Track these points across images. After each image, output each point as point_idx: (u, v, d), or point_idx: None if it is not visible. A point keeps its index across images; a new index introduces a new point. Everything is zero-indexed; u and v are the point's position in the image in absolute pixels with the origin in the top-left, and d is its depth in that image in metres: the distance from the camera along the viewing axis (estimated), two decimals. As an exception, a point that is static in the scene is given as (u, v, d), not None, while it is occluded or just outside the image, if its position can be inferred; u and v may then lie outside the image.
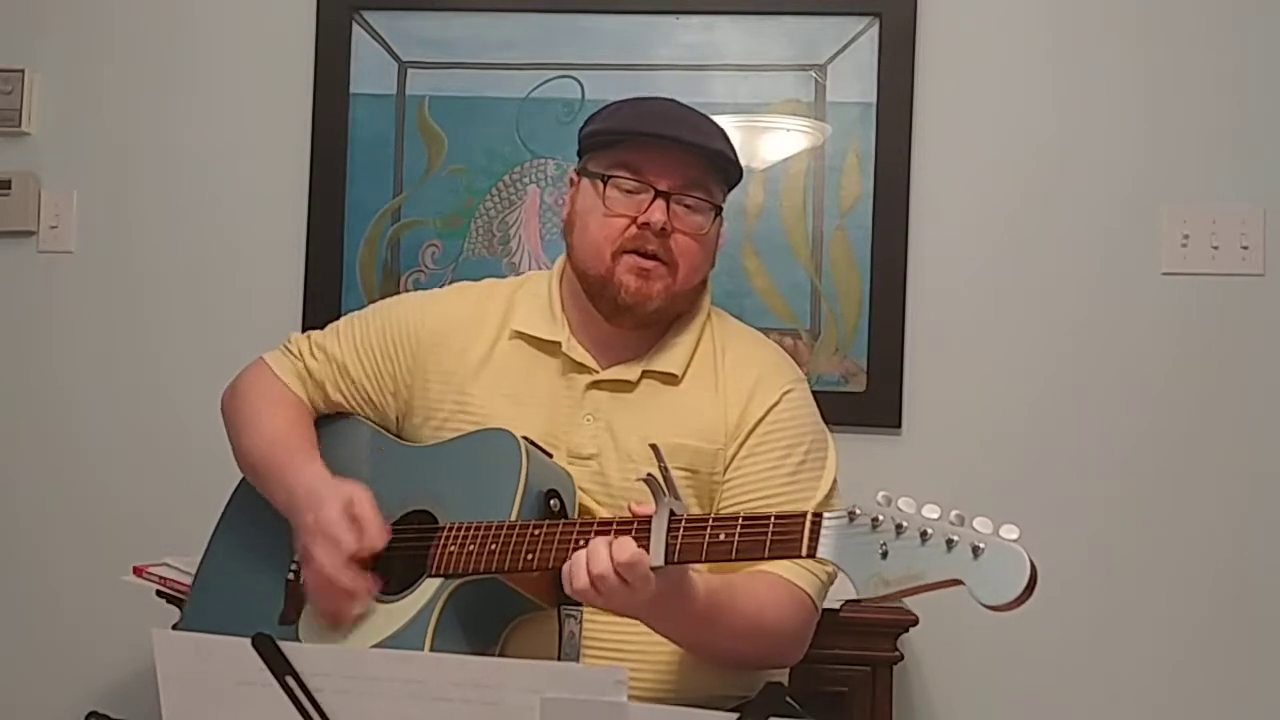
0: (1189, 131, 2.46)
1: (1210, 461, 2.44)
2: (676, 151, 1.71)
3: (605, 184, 1.72)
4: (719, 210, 1.76)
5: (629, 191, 1.71)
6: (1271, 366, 2.44)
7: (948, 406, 2.49)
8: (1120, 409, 2.46)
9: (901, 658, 2.16)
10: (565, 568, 1.47)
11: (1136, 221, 2.47)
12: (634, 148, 1.72)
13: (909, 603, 2.19)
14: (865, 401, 2.48)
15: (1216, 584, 2.43)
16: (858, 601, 2.08)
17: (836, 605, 2.05)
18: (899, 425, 2.48)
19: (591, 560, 1.44)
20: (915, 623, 2.14)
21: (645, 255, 1.70)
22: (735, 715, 1.23)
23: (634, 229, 1.70)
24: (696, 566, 1.52)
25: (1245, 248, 2.44)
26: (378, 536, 1.60)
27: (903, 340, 2.49)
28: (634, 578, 1.43)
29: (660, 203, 1.69)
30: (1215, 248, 2.44)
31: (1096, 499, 2.45)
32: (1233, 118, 2.45)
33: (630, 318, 1.73)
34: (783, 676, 1.79)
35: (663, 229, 1.69)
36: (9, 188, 2.66)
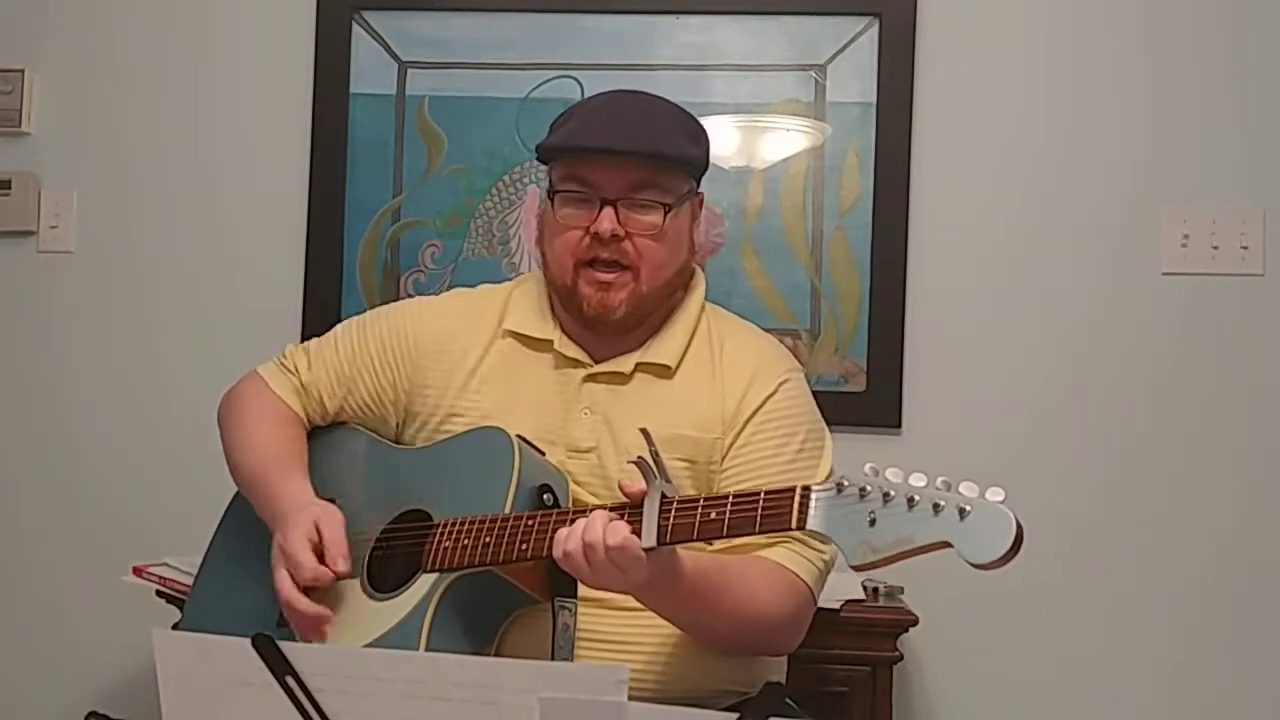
0: (1189, 131, 2.46)
1: (1210, 461, 2.44)
2: (618, 158, 1.71)
3: (555, 199, 1.75)
4: (670, 206, 1.73)
5: (579, 203, 1.73)
6: (1271, 366, 2.44)
7: (948, 406, 2.49)
8: (1120, 409, 2.46)
9: (901, 658, 2.16)
10: (560, 532, 1.48)
11: (1136, 221, 2.47)
12: (579, 159, 1.73)
13: (909, 602, 2.19)
14: (865, 401, 2.48)
15: (1217, 583, 2.43)
16: (858, 601, 2.10)
17: (836, 605, 2.05)
18: (899, 425, 2.48)
19: (588, 528, 1.46)
20: (915, 623, 2.14)
21: (603, 264, 1.71)
22: (735, 715, 1.24)
23: (588, 239, 1.72)
24: (692, 546, 1.53)
25: (1245, 248, 2.44)
26: (335, 563, 1.60)
27: (903, 340, 2.49)
28: (624, 560, 1.44)
29: (609, 210, 1.70)
30: (1215, 248, 2.44)
31: (1097, 499, 2.45)
32: (1233, 118, 2.45)
33: (602, 326, 1.74)
34: (781, 675, 1.79)
35: (614, 235, 1.70)
36: (9, 188, 2.66)
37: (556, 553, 1.48)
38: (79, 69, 2.69)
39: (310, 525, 1.62)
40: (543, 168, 2.51)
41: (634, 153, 1.71)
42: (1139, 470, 2.45)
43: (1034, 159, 2.49)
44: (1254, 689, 2.42)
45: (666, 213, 1.73)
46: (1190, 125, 2.46)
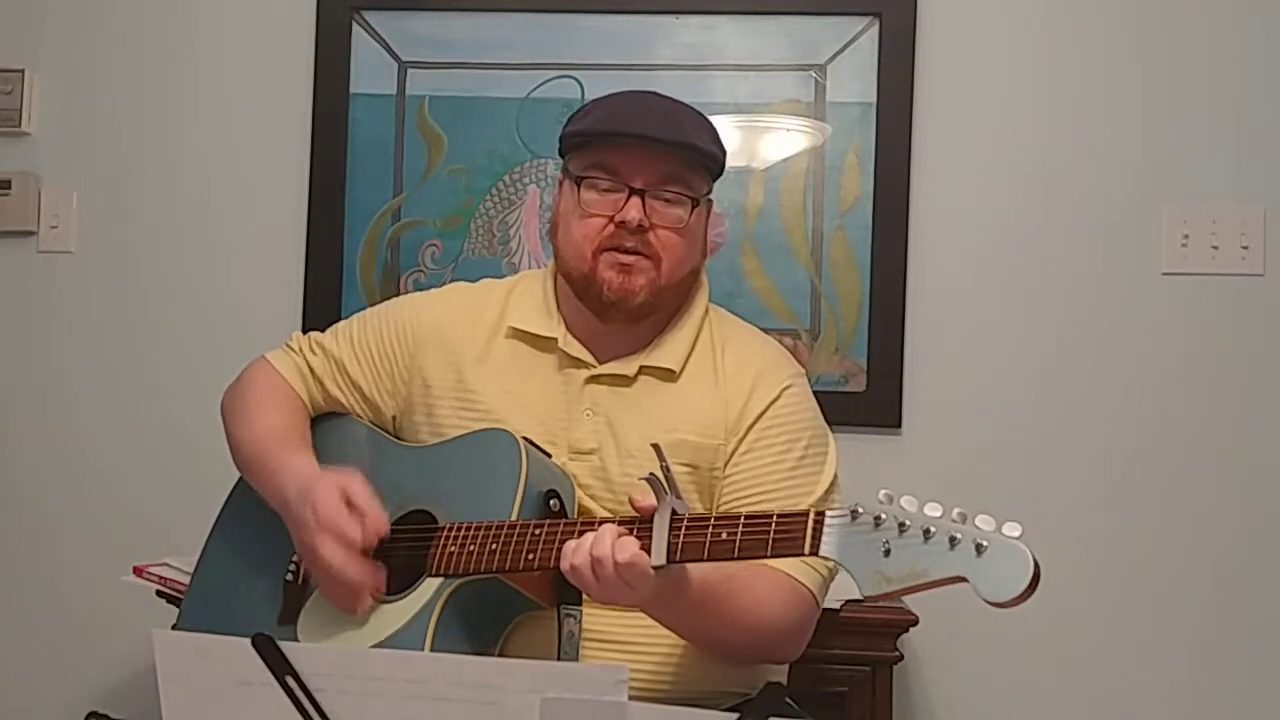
0: (1189, 131, 2.46)
1: (1210, 461, 2.44)
2: (650, 148, 1.71)
3: (581, 185, 1.73)
4: (697, 202, 1.75)
5: (605, 191, 1.72)
6: (1271, 366, 2.44)
7: (948, 406, 2.49)
8: (1120, 409, 2.46)
9: (901, 658, 2.16)
10: (568, 545, 1.47)
11: (1136, 221, 2.47)
12: (608, 147, 1.73)
13: (909, 602, 2.19)
14: (865, 401, 2.48)
15: (1216, 583, 2.43)
16: (858, 601, 2.09)
17: (836, 605, 2.05)
18: (899, 425, 2.48)
19: (596, 543, 1.45)
20: (915, 623, 2.14)
21: (625, 251, 1.71)
22: (735, 715, 1.24)
23: (611, 227, 1.71)
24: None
25: (1245, 248, 2.44)
26: (380, 522, 1.59)
27: (903, 340, 2.49)
28: (632, 577, 1.43)
29: (636, 200, 1.70)
30: (1215, 248, 2.44)
31: (1097, 499, 2.45)
32: (1233, 118, 2.45)
33: (618, 313, 1.73)
34: (782, 676, 1.79)
35: (639, 225, 1.70)
36: (9, 188, 2.66)
37: (564, 565, 1.47)
38: (79, 69, 2.69)
39: (339, 493, 1.59)
40: (543, 167, 2.57)
41: (670, 142, 1.71)
42: (1139, 470, 2.45)
43: (1034, 159, 2.49)
44: (1254, 689, 2.42)
45: (693, 208, 1.74)
46: (1190, 125, 2.46)
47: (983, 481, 2.40)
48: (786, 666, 1.80)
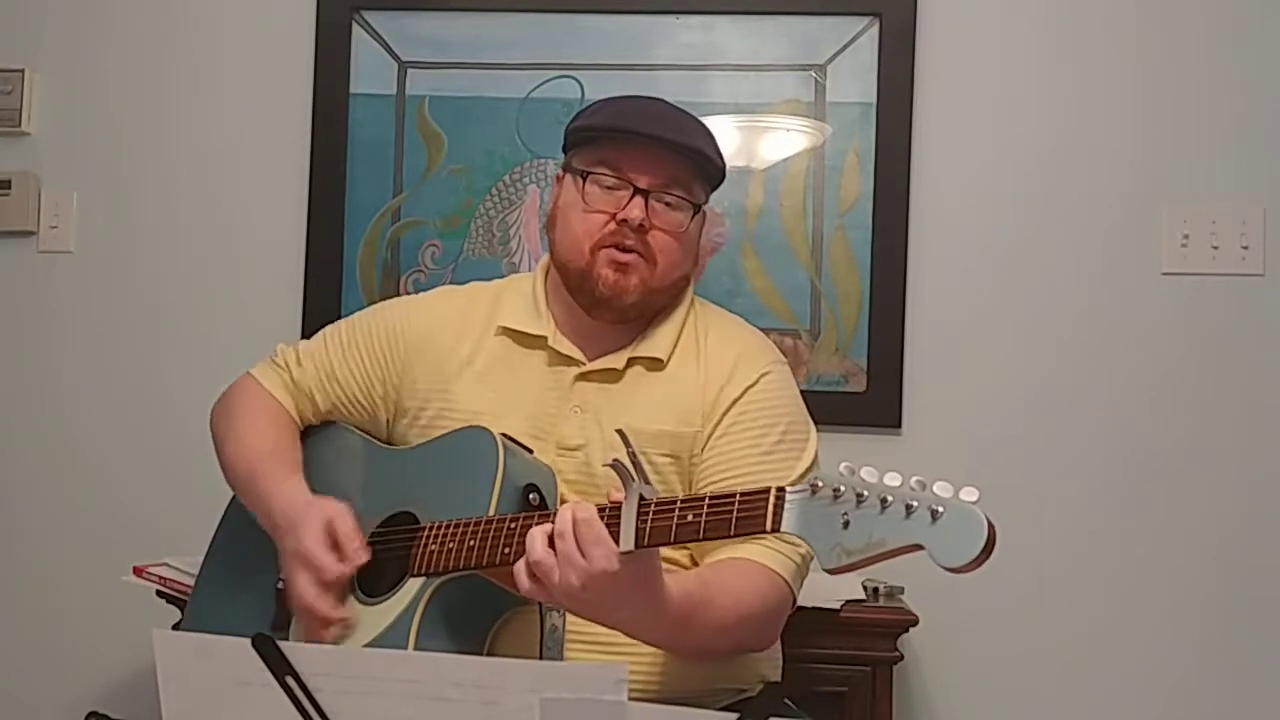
0: (1189, 131, 2.46)
1: (1210, 462, 2.44)
2: (657, 150, 1.72)
3: (585, 180, 1.75)
4: (698, 208, 1.77)
5: (609, 188, 1.74)
6: (1271, 366, 2.44)
7: (948, 406, 2.49)
8: (1120, 409, 2.46)
9: (901, 658, 2.15)
10: (529, 535, 1.44)
11: (1136, 221, 2.47)
12: (616, 145, 1.74)
13: (909, 602, 2.19)
14: (865, 401, 2.48)
15: (1217, 584, 2.43)
16: (858, 601, 2.10)
17: (836, 605, 2.05)
18: (899, 425, 2.48)
19: (557, 521, 1.42)
20: (915, 623, 2.14)
21: (623, 249, 1.72)
22: (735, 715, 1.24)
23: (613, 225, 1.72)
24: (672, 567, 1.51)
25: (1245, 248, 2.44)
26: (357, 555, 1.60)
27: (903, 340, 2.49)
28: (591, 536, 1.39)
29: (639, 199, 1.72)
30: (1215, 248, 2.44)
31: (1096, 499, 2.45)
32: (1233, 118, 2.45)
33: (609, 311, 1.75)
34: (777, 675, 1.79)
35: (640, 225, 1.71)
36: (9, 188, 2.66)
37: (529, 558, 1.43)
38: (79, 69, 2.69)
39: (322, 524, 1.61)
40: (543, 167, 2.57)
41: (677, 144, 1.73)
42: (1139, 470, 2.45)
43: (1034, 159, 2.49)
44: (1254, 690, 2.41)
45: (694, 214, 1.76)
46: (1190, 125, 2.46)
47: (982, 482, 2.36)
48: (780, 664, 1.80)
